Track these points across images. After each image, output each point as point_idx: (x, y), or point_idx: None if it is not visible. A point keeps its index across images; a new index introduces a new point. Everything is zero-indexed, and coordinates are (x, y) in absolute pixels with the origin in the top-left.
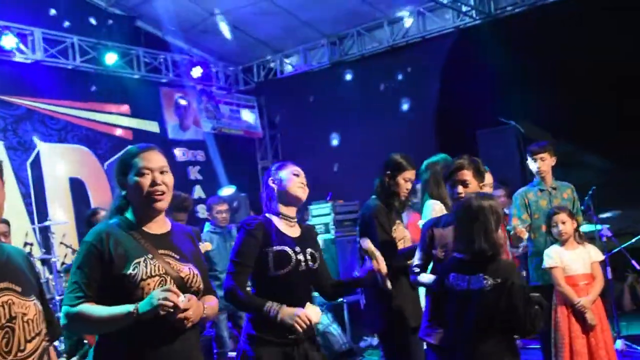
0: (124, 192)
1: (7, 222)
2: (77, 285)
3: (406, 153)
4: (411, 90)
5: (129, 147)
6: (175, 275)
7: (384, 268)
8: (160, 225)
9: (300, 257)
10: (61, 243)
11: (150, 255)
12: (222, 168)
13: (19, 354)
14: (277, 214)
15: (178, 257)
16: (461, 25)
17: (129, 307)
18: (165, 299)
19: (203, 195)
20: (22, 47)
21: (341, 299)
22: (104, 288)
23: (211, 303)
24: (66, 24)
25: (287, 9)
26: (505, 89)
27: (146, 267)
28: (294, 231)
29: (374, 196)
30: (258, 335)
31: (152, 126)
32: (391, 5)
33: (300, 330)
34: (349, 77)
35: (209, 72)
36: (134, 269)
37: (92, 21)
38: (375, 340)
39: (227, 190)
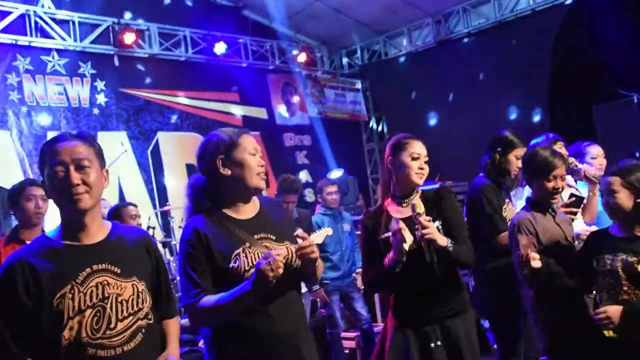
0: (213, 180)
1: (135, 206)
2: (191, 282)
3: (518, 129)
4: (520, 66)
5: (219, 136)
6: (283, 253)
7: (430, 230)
8: (251, 208)
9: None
10: (180, 227)
11: (247, 244)
12: (328, 152)
13: (107, 332)
14: (394, 198)
15: (274, 237)
16: None
17: (245, 287)
18: (274, 262)
19: (310, 180)
20: (140, 42)
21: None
22: (214, 282)
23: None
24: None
25: None
26: (625, 59)
27: (246, 257)
28: (407, 210)
29: (482, 174)
30: (396, 312)
31: (261, 112)
32: None
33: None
34: (454, 55)
35: (313, 57)
36: (235, 262)
37: (202, 13)
38: (487, 323)
39: (336, 173)
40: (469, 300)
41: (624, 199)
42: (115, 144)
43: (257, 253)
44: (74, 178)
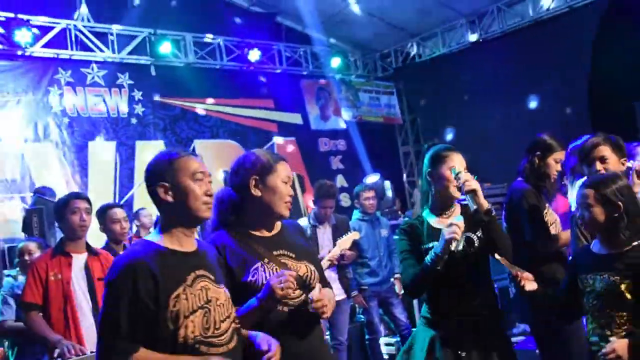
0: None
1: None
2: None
3: (555, 131)
4: (558, 65)
5: (257, 157)
6: (294, 274)
7: (472, 183)
8: (273, 227)
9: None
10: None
11: (266, 260)
12: (364, 156)
13: (215, 331)
14: (433, 210)
15: (294, 255)
16: None
17: (252, 302)
18: (286, 288)
19: (345, 184)
20: (176, 51)
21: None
22: (234, 296)
23: (330, 295)
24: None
25: None
26: None
27: (264, 271)
28: (449, 221)
29: (520, 178)
30: (432, 318)
31: (296, 118)
32: None
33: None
34: (490, 55)
35: (347, 61)
36: (252, 276)
37: (236, 21)
38: (528, 327)
39: (372, 178)
40: (501, 324)
41: (599, 213)
42: (154, 153)
43: (275, 268)
44: (210, 190)
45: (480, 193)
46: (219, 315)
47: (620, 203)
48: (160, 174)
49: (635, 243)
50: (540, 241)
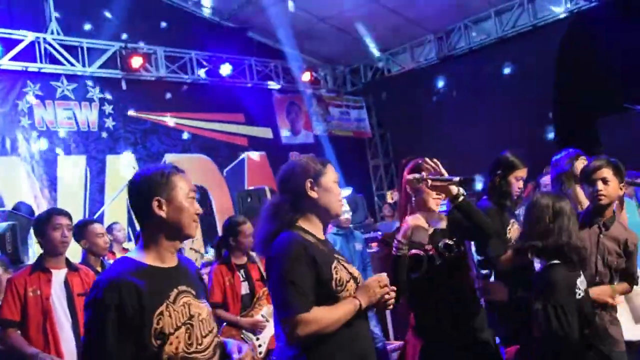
0: (298, 204)
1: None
2: (302, 291)
3: (523, 146)
4: (524, 82)
5: (306, 160)
6: (355, 275)
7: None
8: (321, 230)
9: (432, 253)
10: (191, 248)
11: (335, 260)
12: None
13: (199, 347)
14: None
15: (343, 258)
16: (575, 9)
17: (354, 302)
18: (383, 292)
19: None
20: (147, 65)
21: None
22: (315, 293)
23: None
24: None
25: (392, 8)
26: (630, 73)
27: (341, 270)
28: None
29: (485, 196)
30: (424, 326)
31: (266, 132)
32: None
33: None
34: (457, 71)
35: (317, 76)
36: (336, 273)
37: (207, 35)
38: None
39: (345, 192)
40: (486, 318)
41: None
42: (124, 167)
43: (344, 268)
44: (199, 209)
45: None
46: (202, 330)
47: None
48: (155, 188)
49: None
50: (494, 259)
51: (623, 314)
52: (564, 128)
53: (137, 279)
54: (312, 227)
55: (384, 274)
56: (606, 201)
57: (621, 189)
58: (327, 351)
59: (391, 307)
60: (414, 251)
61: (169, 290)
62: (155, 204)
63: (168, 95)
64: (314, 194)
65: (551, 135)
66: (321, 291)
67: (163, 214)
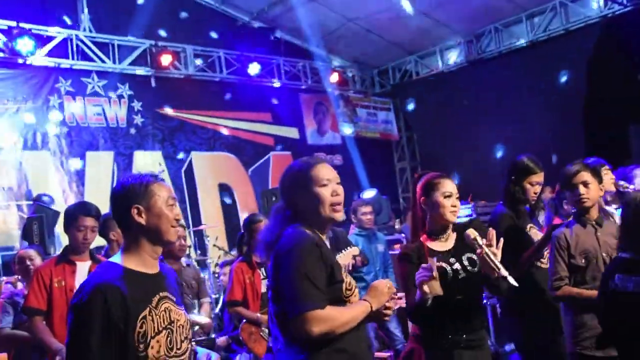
0: (295, 207)
1: (183, 226)
2: (317, 286)
3: (551, 151)
4: (554, 86)
5: (297, 163)
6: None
7: (496, 254)
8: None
9: (457, 266)
10: (214, 245)
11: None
12: (360, 171)
13: (177, 351)
14: (430, 235)
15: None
16: (609, 13)
17: (365, 304)
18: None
19: None
20: (176, 63)
21: (485, 301)
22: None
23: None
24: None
25: (422, 10)
26: None
27: (348, 275)
28: (449, 243)
29: (501, 202)
30: (423, 335)
31: (292, 132)
32: None
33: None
34: (486, 75)
35: (345, 77)
36: (346, 277)
37: (236, 35)
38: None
39: (369, 193)
40: (486, 335)
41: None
42: (151, 163)
43: (346, 274)
44: (179, 215)
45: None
46: (180, 335)
47: None
48: (135, 197)
49: None
50: (508, 265)
51: None
52: (595, 134)
53: (122, 283)
54: (317, 228)
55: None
56: (589, 203)
57: (601, 189)
58: (327, 353)
59: (387, 318)
60: (438, 264)
61: (151, 295)
62: (134, 211)
63: (196, 94)
64: (140, 219)
65: (573, 140)
66: (331, 293)
67: (142, 220)
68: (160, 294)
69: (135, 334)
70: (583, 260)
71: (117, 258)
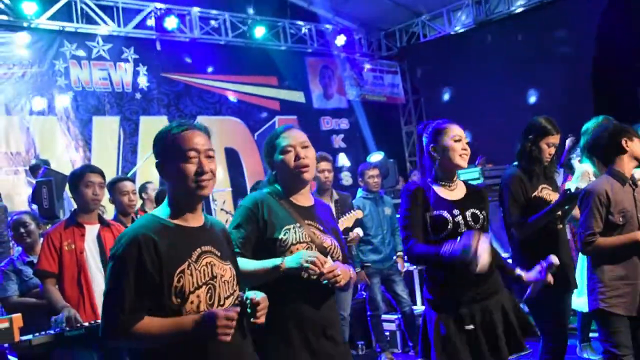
0: (274, 172)
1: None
2: (233, 242)
3: (560, 113)
4: (564, 48)
5: (274, 130)
6: (319, 244)
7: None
8: (306, 199)
9: (459, 219)
10: (222, 209)
11: (298, 224)
12: (367, 134)
13: (219, 307)
14: (437, 180)
15: (322, 228)
16: None
17: (276, 261)
18: (313, 263)
19: (347, 163)
20: (181, 26)
21: None
22: (256, 250)
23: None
24: None
25: None
26: None
27: (295, 234)
28: (455, 194)
29: (515, 162)
30: (433, 299)
31: (298, 96)
32: None
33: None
34: (495, 37)
35: (352, 40)
36: (284, 234)
37: None
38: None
39: (376, 156)
40: (501, 281)
41: None
42: (157, 128)
43: (305, 234)
44: (206, 166)
45: None
46: (224, 291)
47: None
48: (159, 151)
49: None
50: (514, 226)
51: None
52: (604, 98)
53: (158, 236)
54: (287, 190)
55: (319, 255)
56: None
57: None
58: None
59: (338, 285)
60: (437, 212)
61: (191, 250)
62: (159, 167)
63: (202, 57)
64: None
65: (582, 101)
66: (266, 247)
67: (167, 176)
68: (202, 247)
69: (172, 288)
70: (621, 219)
71: (158, 211)
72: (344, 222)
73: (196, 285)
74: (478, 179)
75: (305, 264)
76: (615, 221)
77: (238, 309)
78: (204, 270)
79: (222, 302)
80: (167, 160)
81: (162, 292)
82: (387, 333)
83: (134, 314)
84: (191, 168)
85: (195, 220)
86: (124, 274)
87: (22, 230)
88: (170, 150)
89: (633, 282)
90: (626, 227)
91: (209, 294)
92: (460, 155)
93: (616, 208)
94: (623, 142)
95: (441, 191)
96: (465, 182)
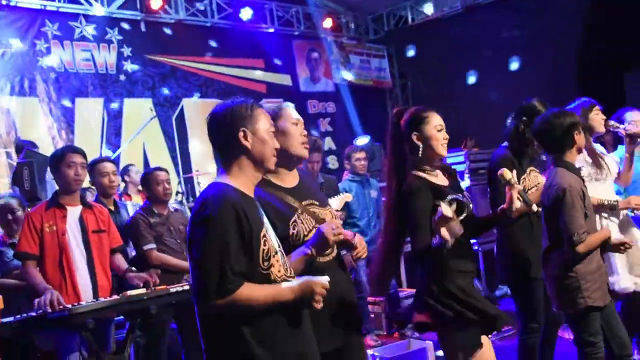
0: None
1: (166, 171)
2: None
3: (548, 98)
4: (551, 32)
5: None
6: (322, 220)
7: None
8: (293, 177)
9: None
10: None
11: (300, 211)
12: (354, 118)
13: (292, 274)
14: (419, 168)
15: (318, 203)
16: None
17: (303, 248)
18: (340, 233)
19: (333, 147)
20: (167, 8)
21: (476, 248)
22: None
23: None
24: None
25: None
26: None
27: (302, 223)
28: (438, 180)
29: (505, 143)
30: None
31: (285, 79)
32: None
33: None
34: (482, 21)
35: (339, 23)
36: (294, 228)
37: None
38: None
39: (363, 140)
40: None
41: None
42: (142, 111)
43: (309, 219)
44: (277, 144)
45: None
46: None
47: None
48: (242, 120)
49: None
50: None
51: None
52: (590, 82)
53: (240, 200)
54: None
55: (335, 222)
56: None
57: None
58: None
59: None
60: (454, 196)
61: (262, 216)
62: (241, 134)
63: (187, 39)
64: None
65: (569, 86)
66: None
67: (248, 144)
68: (264, 218)
69: (260, 251)
70: (587, 212)
71: (224, 179)
72: (334, 204)
73: (274, 250)
74: (464, 162)
75: (334, 238)
76: (588, 215)
77: (327, 278)
78: (273, 237)
79: (289, 272)
80: (254, 129)
81: (253, 255)
82: (372, 315)
83: (239, 275)
84: (274, 141)
85: (252, 191)
86: (226, 234)
87: (9, 216)
88: (256, 120)
89: (602, 271)
90: (589, 221)
91: (283, 260)
92: (442, 145)
93: (586, 201)
94: (575, 135)
95: (431, 177)
96: (444, 165)
